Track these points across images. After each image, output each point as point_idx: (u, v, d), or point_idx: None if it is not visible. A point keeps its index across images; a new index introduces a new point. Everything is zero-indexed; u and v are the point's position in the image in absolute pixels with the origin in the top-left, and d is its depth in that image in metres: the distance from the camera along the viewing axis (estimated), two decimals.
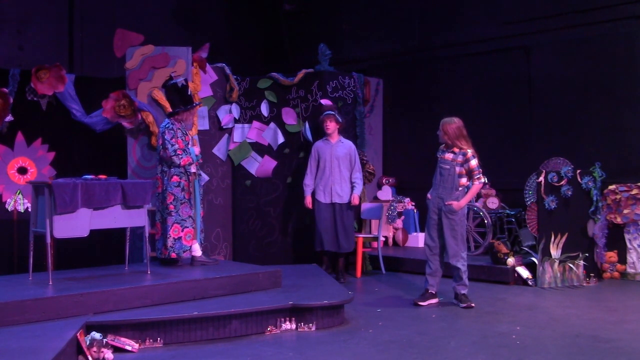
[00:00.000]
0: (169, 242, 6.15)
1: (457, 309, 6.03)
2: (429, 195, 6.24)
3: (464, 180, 6.12)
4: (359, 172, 7.52)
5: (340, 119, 7.54)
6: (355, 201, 7.44)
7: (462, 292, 6.13)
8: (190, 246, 6.28)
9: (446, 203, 6.07)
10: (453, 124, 6.11)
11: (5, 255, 7.46)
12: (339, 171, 7.44)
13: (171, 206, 6.16)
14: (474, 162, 6.09)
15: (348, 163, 7.48)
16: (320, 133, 8.14)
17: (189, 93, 6.40)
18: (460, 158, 6.09)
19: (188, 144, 6.34)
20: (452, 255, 6.08)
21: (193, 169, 6.32)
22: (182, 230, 6.20)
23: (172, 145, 6.14)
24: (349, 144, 7.56)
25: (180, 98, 6.33)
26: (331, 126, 7.46)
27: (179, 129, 6.28)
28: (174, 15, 10.46)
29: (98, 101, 7.30)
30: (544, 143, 8.57)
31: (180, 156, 6.15)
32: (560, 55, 8.60)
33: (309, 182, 7.58)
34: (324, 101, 8.09)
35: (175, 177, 6.19)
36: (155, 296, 5.26)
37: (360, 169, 7.56)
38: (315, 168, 7.56)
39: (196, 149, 6.47)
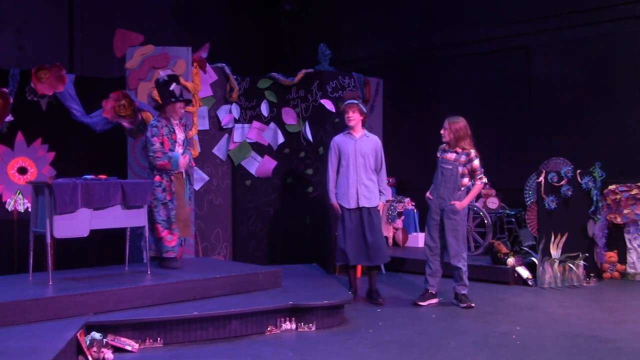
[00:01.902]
0: (153, 241, 6.16)
1: (457, 309, 6.03)
2: (429, 195, 6.23)
3: (465, 180, 6.13)
4: (385, 173, 6.50)
5: (364, 109, 6.55)
6: (381, 206, 6.47)
7: (462, 292, 6.14)
8: (173, 247, 6.18)
9: (449, 203, 6.07)
10: (460, 122, 6.10)
11: (5, 255, 7.46)
12: (364, 170, 6.35)
13: (153, 205, 6.11)
14: (477, 162, 6.10)
15: (374, 161, 6.42)
16: (321, 132, 8.15)
17: (170, 88, 6.22)
18: (463, 158, 6.09)
19: (175, 143, 6.22)
20: (454, 255, 6.08)
21: (182, 168, 6.20)
22: (163, 231, 6.14)
23: (153, 144, 6.06)
24: (375, 139, 6.53)
25: (161, 93, 6.23)
26: (355, 117, 6.40)
27: (165, 126, 6.16)
28: (174, 15, 10.46)
29: (98, 101, 7.30)
30: (544, 143, 8.57)
31: (158, 158, 6.05)
32: (560, 55, 8.59)
33: (334, 186, 6.46)
34: (325, 102, 8.10)
35: (157, 176, 6.13)
36: (155, 296, 5.26)
37: (385, 170, 6.53)
38: (337, 167, 6.48)
39: (186, 156, 6.24)
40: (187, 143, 6.57)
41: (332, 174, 6.46)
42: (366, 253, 6.30)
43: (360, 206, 6.30)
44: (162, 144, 6.12)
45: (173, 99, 6.18)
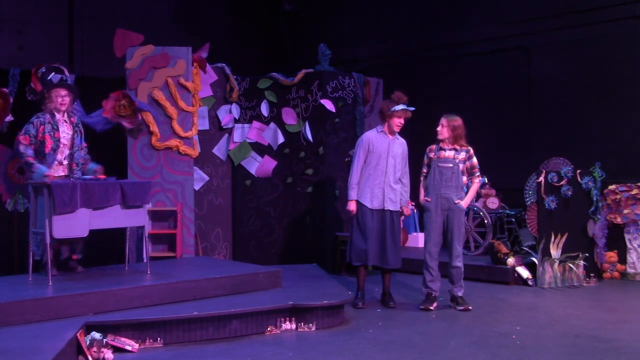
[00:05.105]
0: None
1: (457, 309, 6.02)
2: (427, 198, 6.08)
3: (464, 179, 6.11)
4: (408, 176, 6.28)
5: None
6: (408, 212, 6.35)
7: (459, 294, 6.07)
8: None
9: (456, 202, 5.99)
10: (458, 120, 6.06)
11: (6, 255, 7.46)
12: (393, 172, 6.10)
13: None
14: (475, 160, 6.09)
15: (401, 164, 6.22)
16: (321, 132, 8.15)
17: (49, 77, 5.94)
18: (463, 155, 6.06)
19: (59, 141, 5.79)
20: (457, 255, 6.01)
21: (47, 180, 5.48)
22: None
23: (19, 143, 5.71)
24: (404, 142, 6.30)
25: (42, 85, 5.98)
26: (402, 124, 6.17)
27: (49, 122, 5.76)
28: (174, 15, 10.46)
29: (98, 101, 7.30)
30: (544, 143, 8.56)
31: (25, 159, 5.68)
32: (560, 55, 8.59)
33: (357, 183, 6.15)
34: (325, 102, 8.10)
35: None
36: (155, 296, 5.26)
37: (408, 172, 6.29)
38: (363, 165, 6.17)
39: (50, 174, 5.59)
40: (80, 142, 5.98)
41: (357, 170, 6.13)
42: (384, 255, 6.10)
43: (386, 209, 6.09)
44: (42, 142, 5.71)
45: (46, 86, 5.82)
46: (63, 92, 5.83)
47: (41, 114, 5.82)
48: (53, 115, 5.81)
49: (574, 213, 7.31)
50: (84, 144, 6.04)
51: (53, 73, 5.99)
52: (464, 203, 6.03)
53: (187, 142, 7.53)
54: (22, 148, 5.70)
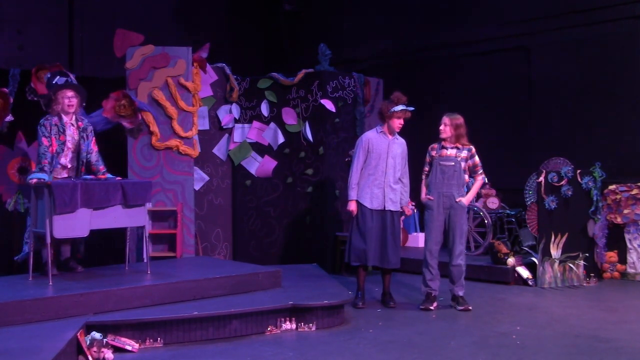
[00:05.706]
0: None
1: (457, 309, 6.02)
2: (429, 197, 6.09)
3: (466, 177, 6.11)
4: (407, 176, 6.30)
5: None
6: (409, 212, 6.45)
7: (460, 293, 6.07)
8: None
9: (457, 200, 5.98)
10: (460, 118, 6.06)
11: (6, 255, 7.45)
12: (393, 172, 6.11)
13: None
14: (477, 158, 6.09)
15: (400, 164, 6.22)
16: (321, 132, 8.16)
17: (54, 81, 5.81)
18: (465, 154, 6.06)
19: (64, 145, 5.75)
20: (459, 254, 6.01)
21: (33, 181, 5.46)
22: None
23: (40, 144, 5.64)
24: (403, 142, 6.30)
25: (48, 89, 5.87)
26: (401, 125, 6.20)
27: (55, 125, 5.71)
28: (174, 15, 10.46)
29: (98, 101, 7.30)
30: (544, 143, 8.57)
31: (40, 165, 5.60)
32: (560, 55, 8.60)
33: (356, 184, 6.15)
34: (325, 101, 8.09)
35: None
36: (155, 296, 5.26)
37: (407, 171, 6.30)
38: (363, 165, 6.21)
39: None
40: (87, 147, 5.89)
41: (357, 170, 6.14)
42: (383, 255, 6.11)
43: (386, 209, 6.10)
44: (49, 145, 5.67)
45: (52, 89, 5.75)
46: (70, 92, 5.81)
47: (49, 116, 5.79)
48: (60, 118, 5.78)
49: (574, 213, 7.31)
50: (93, 148, 5.95)
51: (58, 76, 5.97)
52: (466, 200, 6.04)
53: (187, 142, 7.53)
54: (42, 150, 5.65)
